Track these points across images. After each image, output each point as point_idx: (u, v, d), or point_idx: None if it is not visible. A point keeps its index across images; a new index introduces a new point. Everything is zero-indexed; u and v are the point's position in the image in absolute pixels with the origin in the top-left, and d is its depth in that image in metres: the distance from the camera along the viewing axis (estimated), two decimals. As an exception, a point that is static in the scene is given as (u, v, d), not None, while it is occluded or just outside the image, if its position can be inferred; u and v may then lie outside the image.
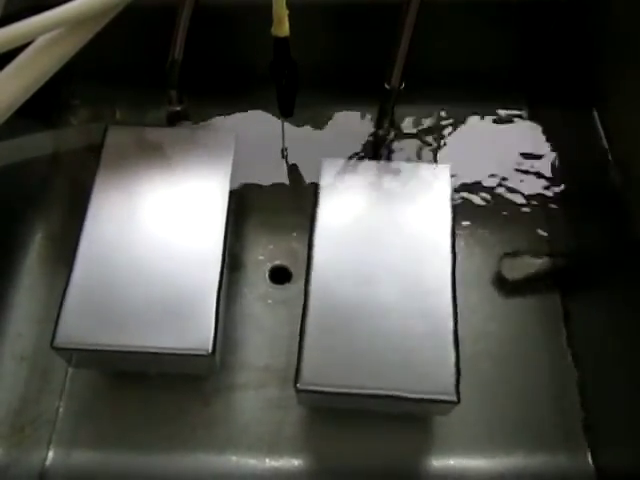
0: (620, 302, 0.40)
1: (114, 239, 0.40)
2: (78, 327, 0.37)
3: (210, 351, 0.37)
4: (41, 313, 0.45)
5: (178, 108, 0.45)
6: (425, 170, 0.44)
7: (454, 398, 0.36)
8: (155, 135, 0.45)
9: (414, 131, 0.51)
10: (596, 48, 0.43)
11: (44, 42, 0.17)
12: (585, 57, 0.45)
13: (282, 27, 0.31)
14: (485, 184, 0.50)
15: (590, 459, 0.40)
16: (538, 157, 0.51)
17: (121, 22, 0.45)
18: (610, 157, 0.40)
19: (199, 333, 0.38)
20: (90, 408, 0.42)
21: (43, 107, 0.47)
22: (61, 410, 0.42)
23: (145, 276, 0.39)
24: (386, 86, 0.42)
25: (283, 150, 0.48)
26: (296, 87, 0.38)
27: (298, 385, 0.36)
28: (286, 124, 0.48)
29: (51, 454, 0.40)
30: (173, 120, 0.46)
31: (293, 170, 0.50)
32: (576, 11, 0.46)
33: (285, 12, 0.30)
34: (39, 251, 0.48)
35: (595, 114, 0.43)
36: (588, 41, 0.44)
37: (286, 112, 0.41)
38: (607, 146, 0.41)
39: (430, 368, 0.37)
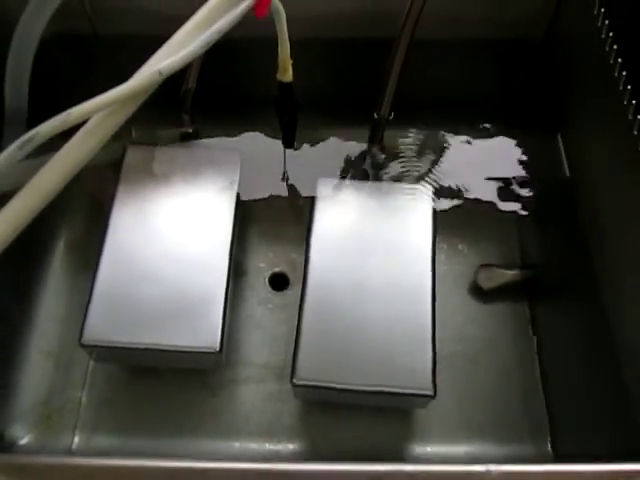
0: (580, 308, 0.45)
1: (133, 248, 0.45)
2: (102, 326, 0.42)
3: (218, 349, 0.42)
4: (64, 313, 0.49)
5: (190, 130, 0.50)
6: (409, 190, 0.48)
7: (431, 392, 0.40)
8: (169, 154, 0.49)
9: (401, 153, 0.56)
10: (563, 82, 0.48)
11: (99, 117, 0.22)
12: (553, 89, 0.50)
13: (287, 74, 0.36)
14: (464, 202, 0.54)
15: (550, 447, 0.46)
16: (513, 178, 0.56)
17: (139, 51, 0.51)
18: (569, 178, 0.45)
19: (208, 333, 0.42)
20: (110, 398, 0.47)
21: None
22: (84, 400, 0.47)
23: (161, 281, 0.43)
24: (375, 116, 0.46)
25: (284, 173, 0.53)
26: (296, 123, 0.43)
27: (294, 380, 0.41)
28: (286, 145, 0.52)
29: (76, 439, 0.45)
30: (185, 140, 0.51)
31: (292, 187, 0.54)
32: (548, 49, 0.51)
33: (289, 62, 0.35)
34: (62, 258, 0.52)
35: (559, 139, 0.48)
36: (557, 75, 0.49)
37: (288, 144, 0.46)
38: (567, 168, 0.46)
39: (410, 366, 0.41)
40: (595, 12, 0.40)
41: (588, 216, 0.43)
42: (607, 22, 0.39)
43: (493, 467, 0.19)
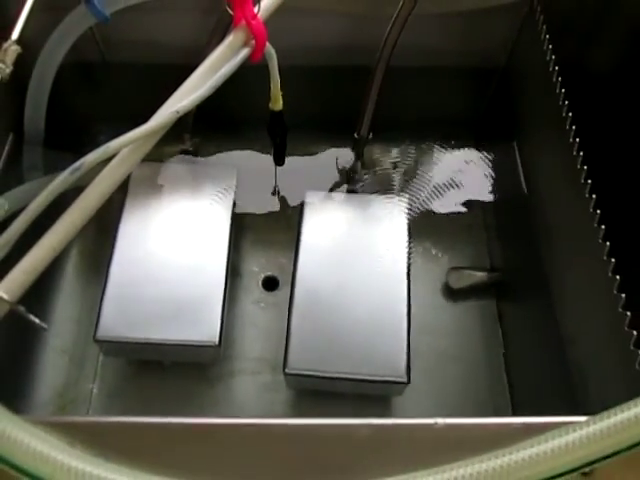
0: (539, 306, 0.50)
1: (141, 254, 0.50)
2: (114, 324, 0.47)
3: (217, 343, 0.47)
4: (77, 313, 0.55)
5: (190, 148, 0.55)
6: (387, 201, 0.54)
7: (405, 379, 0.46)
8: (172, 169, 0.54)
9: (380, 168, 0.62)
10: (520, 105, 0.55)
11: (129, 149, 0.28)
12: (513, 111, 0.56)
13: (277, 104, 0.42)
14: (437, 210, 0.60)
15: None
16: (483, 188, 0.62)
17: (144, 78, 0.56)
18: (524, 188, 0.52)
19: (208, 328, 0.47)
20: (118, 390, 0.51)
21: (77, 146, 0.57)
22: (95, 392, 0.51)
23: (166, 284, 0.48)
24: (356, 135, 0.52)
25: (275, 187, 0.58)
26: (286, 144, 0.48)
27: (286, 370, 0.46)
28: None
29: (89, 426, 0.50)
30: (186, 156, 0.56)
31: (282, 199, 0.60)
32: (509, 75, 0.57)
33: (280, 94, 0.41)
34: (75, 265, 0.57)
35: (517, 153, 0.54)
36: (516, 99, 0.56)
37: (279, 162, 0.52)
38: (523, 179, 0.52)
39: (387, 357, 0.46)
40: (544, 48, 0.46)
41: (541, 226, 0.49)
42: (554, 57, 0.45)
43: (440, 420, 0.25)
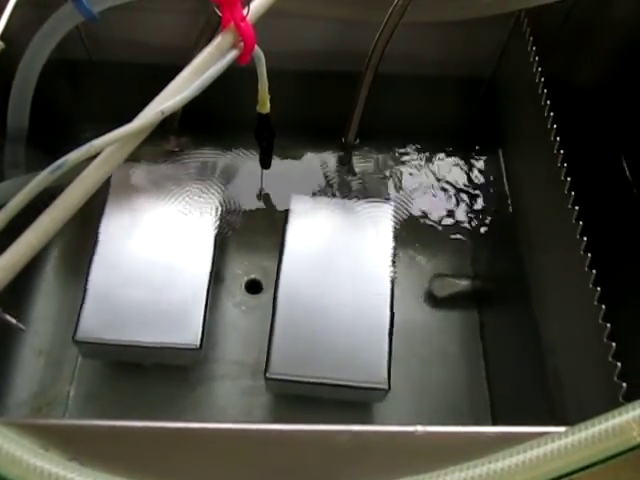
0: (520, 315, 0.51)
1: (123, 255, 0.49)
2: (94, 325, 0.46)
3: (199, 345, 0.46)
4: (55, 314, 0.54)
5: (175, 149, 0.55)
6: (373, 206, 0.54)
7: (385, 386, 0.46)
8: (155, 170, 0.54)
9: (366, 174, 0.62)
10: (506, 114, 0.55)
11: (112, 148, 0.27)
12: (499, 119, 0.57)
13: (265, 107, 0.41)
14: (422, 218, 0.61)
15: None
16: (467, 196, 0.62)
17: (130, 77, 0.56)
18: (509, 197, 0.52)
19: (190, 331, 0.47)
20: (96, 392, 0.51)
21: (60, 144, 0.56)
22: (72, 394, 0.51)
23: (148, 285, 0.48)
24: (343, 141, 0.52)
25: (261, 190, 0.58)
26: (272, 147, 0.48)
27: (267, 374, 0.45)
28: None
29: (65, 428, 0.49)
30: (170, 157, 0.56)
31: (267, 202, 0.59)
32: (496, 86, 0.58)
33: (267, 97, 0.41)
34: (55, 264, 0.56)
35: (502, 162, 0.54)
36: (502, 109, 0.56)
37: (265, 165, 0.52)
38: (508, 189, 0.52)
39: (369, 363, 0.46)
40: (531, 59, 0.47)
41: (524, 236, 0.49)
42: (540, 69, 0.46)
43: (420, 427, 0.25)
